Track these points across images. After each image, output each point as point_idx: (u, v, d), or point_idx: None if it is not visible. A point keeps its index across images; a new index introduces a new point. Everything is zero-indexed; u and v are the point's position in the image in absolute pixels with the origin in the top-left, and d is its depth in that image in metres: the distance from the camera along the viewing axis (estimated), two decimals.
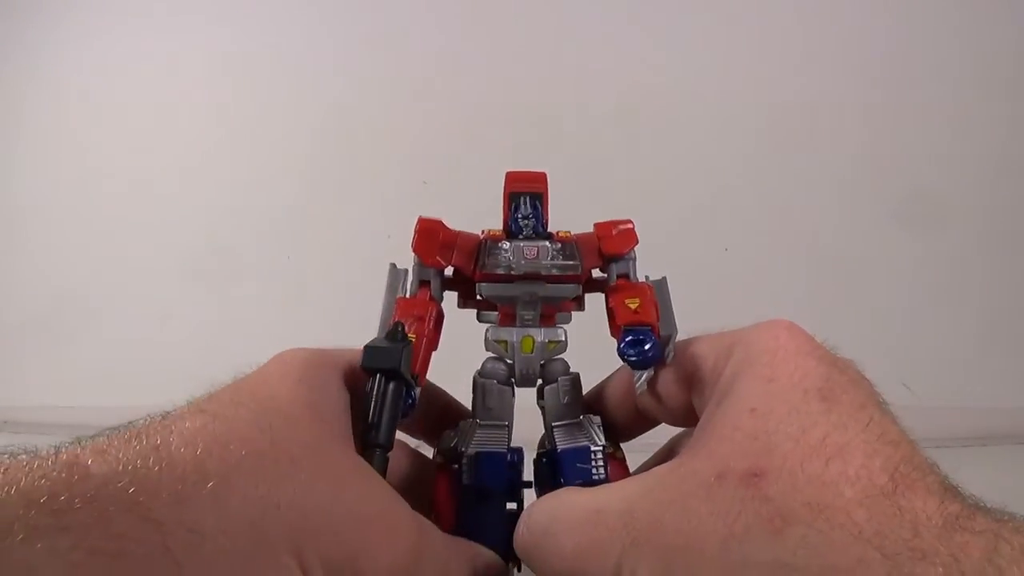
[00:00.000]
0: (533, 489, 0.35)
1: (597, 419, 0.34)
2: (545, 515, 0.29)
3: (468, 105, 0.80)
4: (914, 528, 0.21)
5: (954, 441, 0.69)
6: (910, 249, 0.79)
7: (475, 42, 0.81)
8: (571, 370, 0.36)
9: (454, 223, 0.35)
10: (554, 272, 0.33)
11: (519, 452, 0.35)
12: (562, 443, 0.34)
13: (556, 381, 0.35)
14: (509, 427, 0.35)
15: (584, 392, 0.36)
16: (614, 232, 0.35)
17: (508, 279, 0.34)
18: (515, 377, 0.35)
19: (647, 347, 0.31)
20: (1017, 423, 0.76)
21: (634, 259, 0.35)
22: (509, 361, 0.35)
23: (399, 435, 0.32)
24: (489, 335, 0.35)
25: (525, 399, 0.36)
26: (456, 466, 0.34)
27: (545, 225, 0.34)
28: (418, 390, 0.32)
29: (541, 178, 0.34)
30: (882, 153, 0.80)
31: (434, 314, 0.35)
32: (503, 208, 0.34)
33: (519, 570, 0.34)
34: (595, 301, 0.36)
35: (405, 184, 0.80)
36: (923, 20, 0.80)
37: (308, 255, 0.82)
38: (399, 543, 0.26)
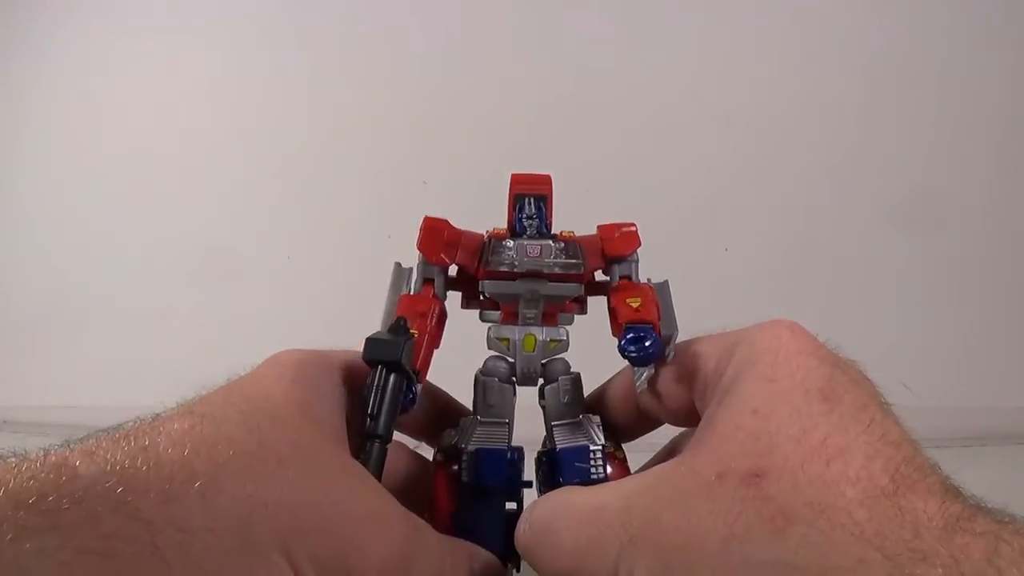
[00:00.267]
0: (534, 488, 0.35)
1: (597, 419, 0.34)
2: (547, 513, 0.29)
3: (468, 105, 0.80)
4: (915, 529, 0.21)
5: (954, 441, 0.69)
6: (910, 249, 0.79)
7: (475, 42, 0.81)
8: (572, 370, 0.36)
9: (454, 223, 0.35)
10: (556, 270, 0.34)
11: (519, 451, 0.35)
12: (561, 442, 0.34)
13: (557, 380, 0.35)
14: (510, 425, 0.35)
15: (586, 393, 0.36)
16: (617, 234, 0.35)
17: (511, 276, 0.34)
18: (516, 375, 0.35)
19: (647, 344, 0.32)
20: (1017, 423, 0.76)
21: (636, 261, 0.36)
22: (511, 359, 0.35)
23: (399, 436, 0.32)
24: (491, 333, 0.35)
25: (527, 399, 0.36)
26: (456, 467, 0.34)
27: (549, 226, 0.35)
28: (419, 386, 0.33)
29: (546, 180, 0.35)
30: (882, 153, 0.80)
31: (437, 311, 0.35)
32: (508, 209, 0.35)
33: (518, 570, 0.34)
34: (597, 303, 0.37)
35: (405, 184, 0.80)
36: (923, 20, 0.80)
37: (308, 255, 0.82)
38: (390, 541, 0.26)
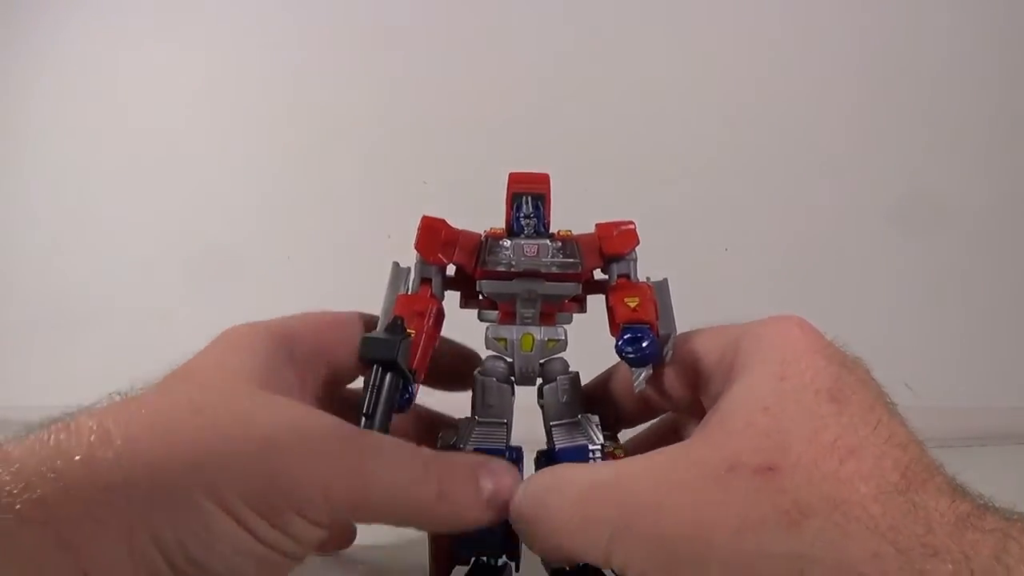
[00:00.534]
0: None
1: (595, 418, 0.34)
2: (542, 486, 0.29)
3: (468, 105, 0.80)
4: (927, 525, 0.22)
5: (955, 441, 0.68)
6: (910, 249, 0.79)
7: (475, 42, 0.81)
8: (571, 369, 0.36)
9: (454, 223, 0.35)
10: (554, 269, 0.34)
11: (518, 451, 0.35)
12: (560, 442, 0.34)
13: (555, 380, 0.35)
14: (508, 425, 0.35)
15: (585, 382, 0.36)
16: (615, 232, 0.35)
17: (508, 276, 0.34)
18: (514, 375, 0.35)
19: (644, 344, 0.32)
20: (1017, 423, 0.75)
21: (635, 259, 0.36)
22: (509, 359, 0.35)
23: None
24: (489, 333, 0.35)
25: (526, 399, 0.36)
26: None
27: (547, 226, 0.35)
28: (416, 386, 0.32)
29: (543, 179, 0.35)
30: (882, 153, 0.80)
31: (434, 311, 0.35)
32: (506, 208, 0.35)
33: (517, 570, 0.34)
34: (596, 303, 0.36)
35: (405, 184, 0.80)
36: (923, 20, 0.80)
37: (308, 255, 0.82)
38: (327, 458, 0.26)
